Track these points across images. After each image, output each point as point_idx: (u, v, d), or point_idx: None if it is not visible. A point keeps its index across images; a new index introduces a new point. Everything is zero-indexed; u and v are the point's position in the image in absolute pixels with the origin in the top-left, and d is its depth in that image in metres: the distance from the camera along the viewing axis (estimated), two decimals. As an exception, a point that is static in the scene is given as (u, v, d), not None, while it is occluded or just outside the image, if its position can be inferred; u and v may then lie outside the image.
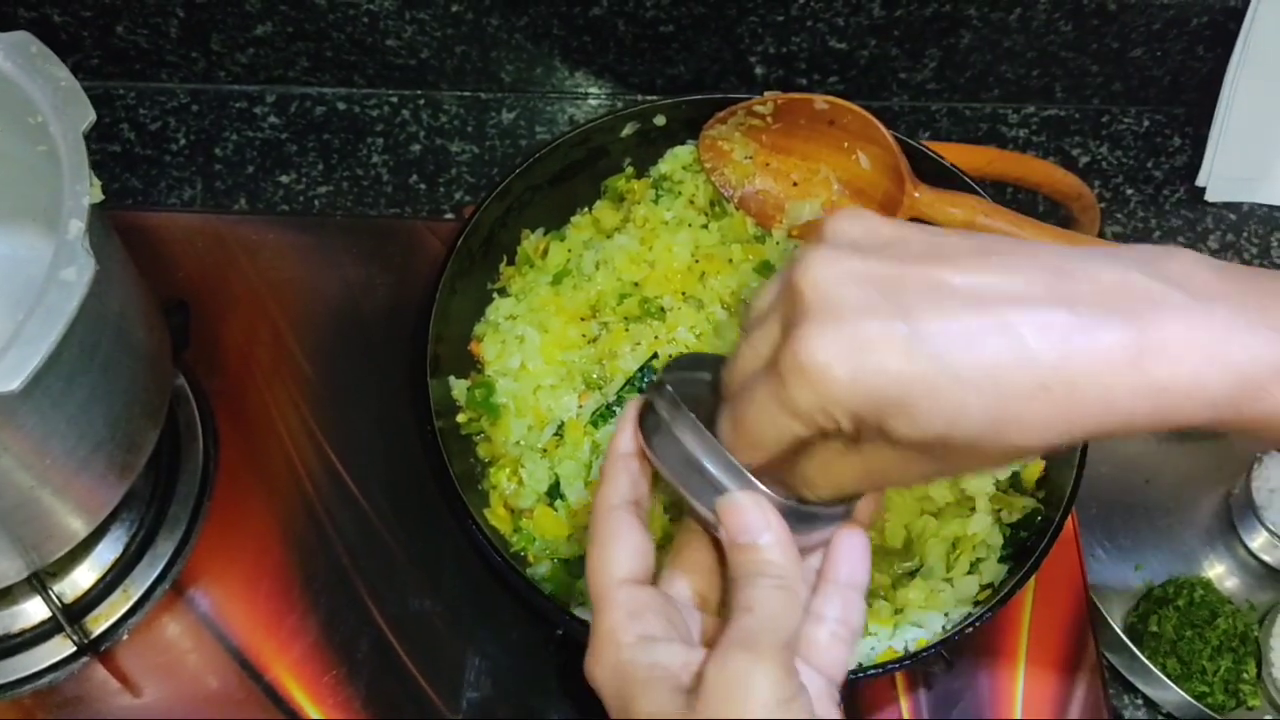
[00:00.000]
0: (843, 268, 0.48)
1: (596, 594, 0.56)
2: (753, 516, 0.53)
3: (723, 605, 0.59)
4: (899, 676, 0.91)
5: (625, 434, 0.59)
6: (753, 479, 0.54)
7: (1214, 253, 1.18)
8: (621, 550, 0.56)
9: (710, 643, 0.53)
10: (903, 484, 0.57)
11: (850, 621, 0.57)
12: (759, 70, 1.21)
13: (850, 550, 0.58)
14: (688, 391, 0.58)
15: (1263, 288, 0.48)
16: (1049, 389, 0.46)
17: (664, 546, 0.62)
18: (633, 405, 0.60)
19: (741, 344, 0.55)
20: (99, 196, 0.70)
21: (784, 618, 0.52)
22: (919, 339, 0.46)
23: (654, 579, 0.58)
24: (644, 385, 0.59)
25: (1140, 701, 0.97)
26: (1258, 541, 1.04)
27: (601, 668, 0.54)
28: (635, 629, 0.54)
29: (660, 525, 0.84)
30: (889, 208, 0.92)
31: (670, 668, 0.52)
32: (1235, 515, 1.05)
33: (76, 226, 0.67)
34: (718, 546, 0.57)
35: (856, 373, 0.47)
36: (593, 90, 1.23)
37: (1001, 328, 0.46)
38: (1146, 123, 1.26)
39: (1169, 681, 0.93)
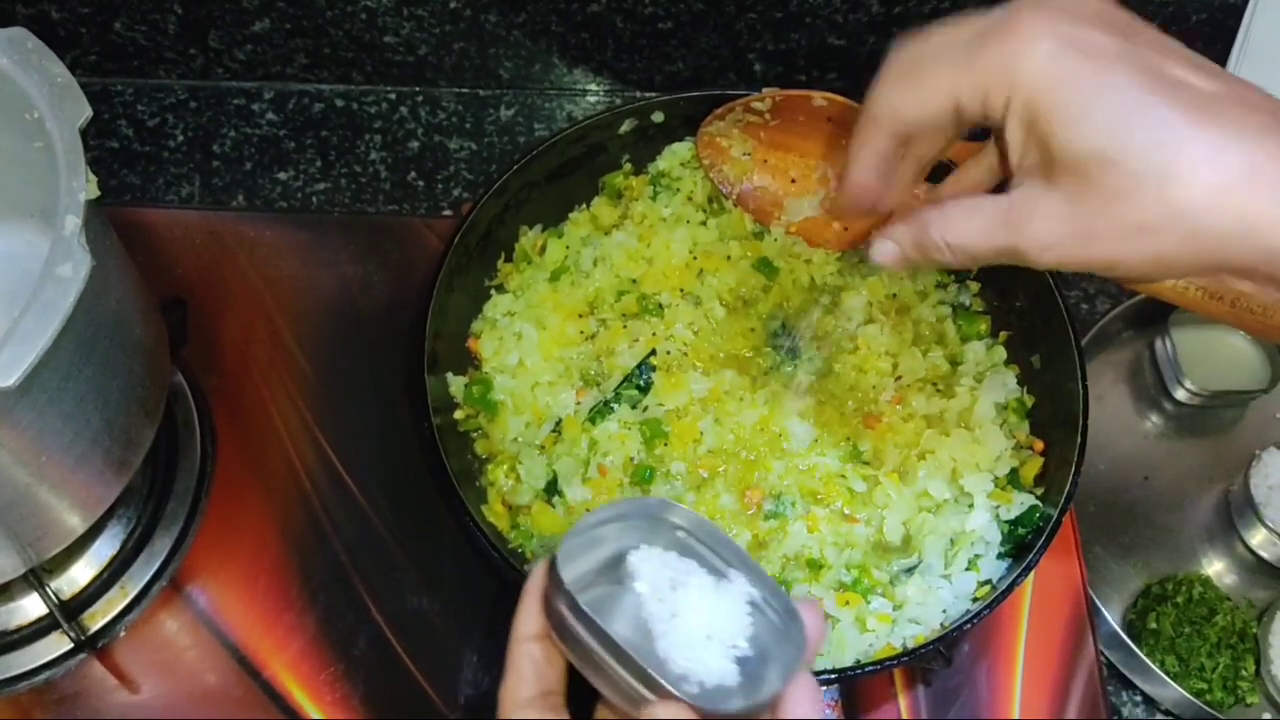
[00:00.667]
0: None
1: None
2: None
3: None
4: (897, 674, 0.91)
5: (526, 618, 0.54)
6: (667, 685, 0.49)
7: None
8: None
9: None
10: (1024, 253, 0.53)
11: None
12: (758, 67, 1.20)
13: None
14: (585, 570, 0.55)
15: None
16: (1216, 195, 0.48)
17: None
18: (532, 589, 0.55)
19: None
20: (95, 193, 0.69)
21: None
22: (1130, 61, 0.49)
23: None
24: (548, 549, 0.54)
25: (1139, 699, 0.97)
26: (1257, 538, 1.04)
27: None
28: None
29: None
30: (887, 204, 0.92)
31: None
32: (1234, 512, 1.05)
33: (73, 223, 0.67)
34: None
35: (1059, 51, 0.49)
36: (591, 87, 1.23)
37: (1208, 111, 0.48)
38: (1146, 120, 1.26)
39: (1167, 679, 0.93)
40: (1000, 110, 0.52)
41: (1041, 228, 0.52)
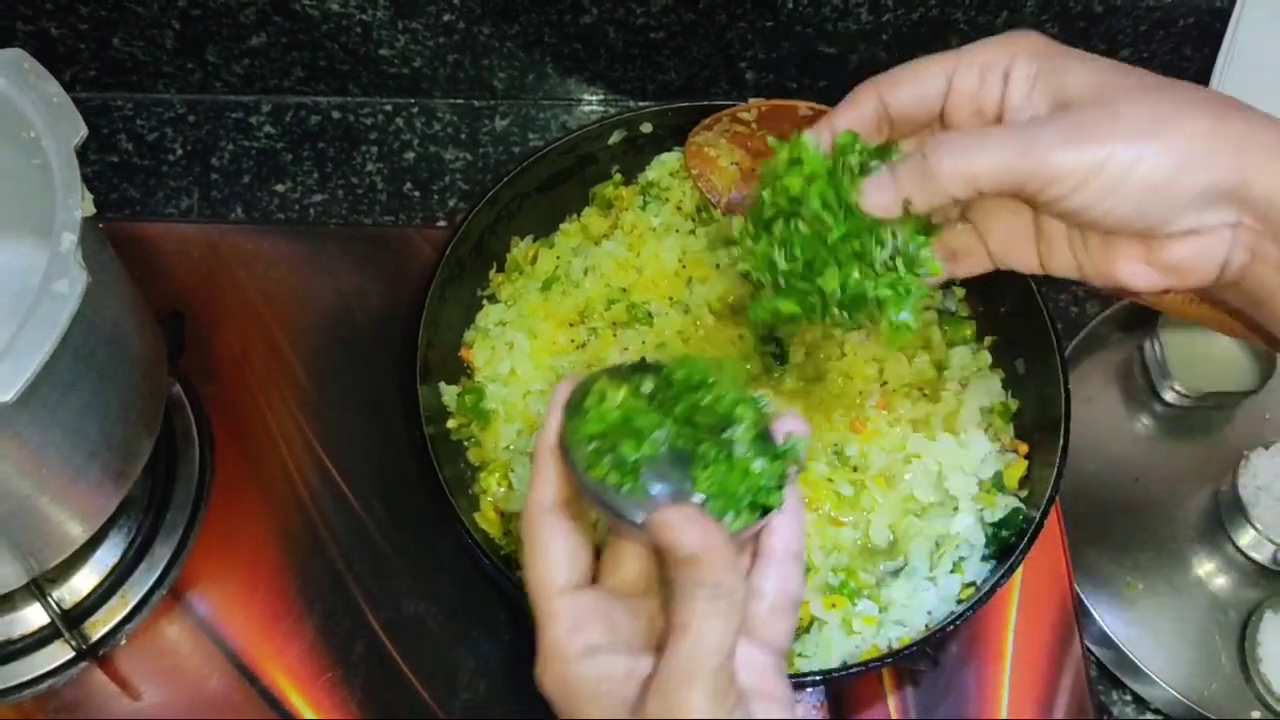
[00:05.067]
0: None
1: (537, 605, 0.56)
2: (683, 533, 0.51)
3: (664, 585, 0.57)
4: (886, 675, 0.92)
5: (551, 427, 0.58)
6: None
7: (1202, 252, 1.19)
8: (556, 558, 0.56)
9: (657, 641, 0.54)
10: (1040, 172, 0.53)
11: (789, 591, 0.57)
12: (749, 75, 1.21)
13: (783, 520, 0.57)
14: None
15: None
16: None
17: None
18: (558, 399, 0.58)
19: None
20: (91, 210, 0.71)
21: (721, 635, 0.51)
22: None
23: (594, 572, 0.58)
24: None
25: (1129, 698, 0.98)
26: (1246, 539, 1.04)
27: (550, 679, 0.55)
28: (579, 640, 0.54)
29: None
30: (873, 212, 0.93)
31: (615, 678, 0.53)
32: (1223, 513, 1.06)
33: (69, 239, 0.69)
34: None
35: (1047, 39, 0.56)
36: (585, 97, 1.24)
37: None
38: (1135, 123, 1.27)
39: (1157, 678, 0.94)
40: (1000, 78, 0.56)
41: (1054, 136, 0.52)
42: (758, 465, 0.56)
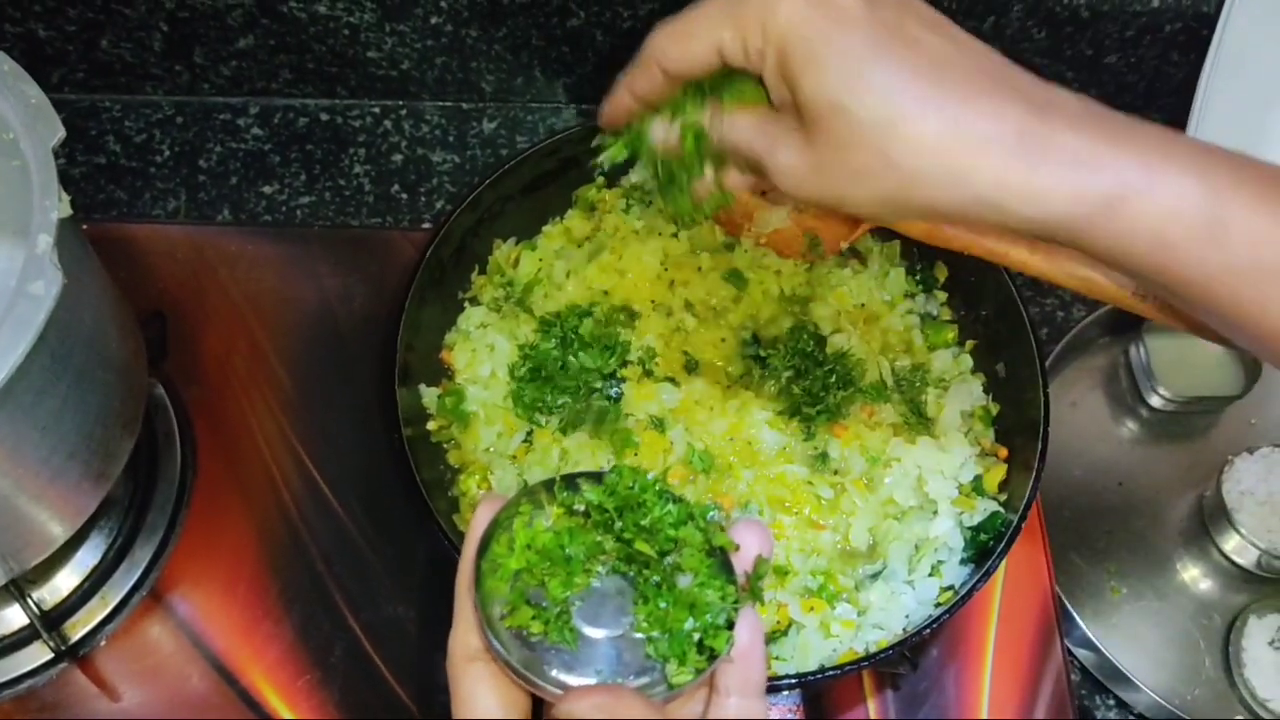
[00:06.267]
0: None
1: None
2: None
3: None
4: (866, 678, 0.92)
5: (466, 566, 0.53)
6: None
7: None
8: (487, 710, 0.51)
9: None
10: (770, 171, 0.57)
11: None
12: (736, 79, 1.22)
13: (742, 648, 0.51)
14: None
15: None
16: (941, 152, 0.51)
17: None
18: (477, 526, 0.53)
19: None
20: (68, 211, 0.71)
21: None
22: (869, 21, 0.52)
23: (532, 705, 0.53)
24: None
25: (1112, 702, 0.98)
26: (1230, 544, 1.04)
27: None
28: None
29: None
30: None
31: None
32: (1208, 517, 1.06)
33: (45, 241, 0.69)
34: None
35: (806, 8, 0.52)
36: (573, 100, 1.24)
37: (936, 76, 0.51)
38: (1122, 128, 1.27)
39: (1140, 683, 0.94)
40: (758, 57, 0.56)
41: (784, 155, 0.56)
42: (707, 597, 0.51)
